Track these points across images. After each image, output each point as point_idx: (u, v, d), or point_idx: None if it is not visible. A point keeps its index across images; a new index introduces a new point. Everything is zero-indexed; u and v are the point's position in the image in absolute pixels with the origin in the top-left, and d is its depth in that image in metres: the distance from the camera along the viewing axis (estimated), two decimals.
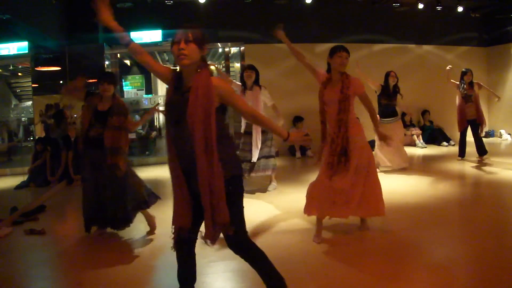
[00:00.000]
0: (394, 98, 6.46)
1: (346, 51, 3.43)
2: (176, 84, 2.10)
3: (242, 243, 2.14)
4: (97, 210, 3.74)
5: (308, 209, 3.54)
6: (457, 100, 6.94)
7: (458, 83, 6.93)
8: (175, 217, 2.09)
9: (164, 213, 4.00)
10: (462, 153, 7.10)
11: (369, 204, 3.51)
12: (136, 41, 2.31)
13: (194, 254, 2.22)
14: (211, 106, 1.98)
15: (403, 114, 9.67)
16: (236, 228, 2.02)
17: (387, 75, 6.55)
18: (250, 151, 5.18)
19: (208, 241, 2.00)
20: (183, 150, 2.04)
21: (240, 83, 5.32)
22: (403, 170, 6.48)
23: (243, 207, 2.14)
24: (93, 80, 7.64)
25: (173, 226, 2.09)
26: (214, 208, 1.96)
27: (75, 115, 7.43)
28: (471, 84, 6.85)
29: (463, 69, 6.96)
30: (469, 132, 7.02)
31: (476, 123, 6.83)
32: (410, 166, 6.67)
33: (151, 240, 3.79)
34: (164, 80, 2.18)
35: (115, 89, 3.86)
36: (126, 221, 3.76)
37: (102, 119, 3.72)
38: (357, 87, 3.42)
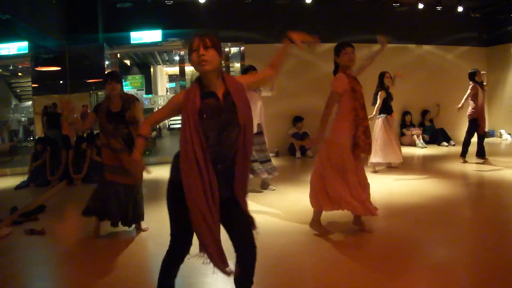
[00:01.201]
0: (390, 97, 6.53)
1: (351, 46, 3.42)
2: (200, 89, 2.03)
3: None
4: (118, 207, 3.77)
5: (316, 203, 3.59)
6: (479, 99, 6.55)
7: (472, 84, 6.65)
8: (203, 238, 1.99)
9: (162, 213, 4.00)
10: (464, 154, 6.92)
11: (368, 201, 3.56)
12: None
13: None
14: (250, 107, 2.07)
15: (405, 114, 9.71)
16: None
17: (382, 75, 6.57)
18: (256, 151, 5.16)
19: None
20: (225, 156, 2.01)
21: None
22: (399, 170, 6.48)
23: None
24: (94, 80, 7.70)
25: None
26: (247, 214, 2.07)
27: (75, 115, 7.44)
28: (481, 85, 6.69)
29: (472, 70, 6.76)
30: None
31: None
32: (407, 166, 6.67)
33: (152, 240, 3.80)
34: (179, 106, 2.06)
35: (121, 88, 3.87)
36: (139, 217, 3.89)
37: (119, 118, 3.74)
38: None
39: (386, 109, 6.52)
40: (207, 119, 1.96)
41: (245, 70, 5.34)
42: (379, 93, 6.48)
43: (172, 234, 2.10)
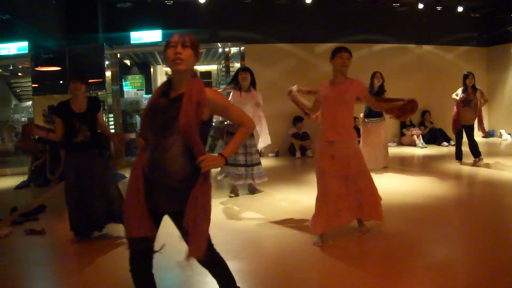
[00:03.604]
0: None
1: (347, 51, 3.39)
2: (165, 88, 2.01)
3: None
4: (85, 215, 3.71)
5: (316, 228, 3.43)
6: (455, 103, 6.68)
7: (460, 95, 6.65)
8: (129, 227, 1.95)
9: None
10: (458, 157, 6.89)
11: (370, 207, 3.53)
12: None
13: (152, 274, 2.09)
14: (201, 116, 1.90)
15: None
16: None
17: (373, 75, 6.55)
18: (243, 154, 4.97)
19: (191, 258, 1.92)
20: (160, 164, 1.91)
21: (232, 86, 5.12)
22: (400, 170, 6.48)
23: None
24: (94, 80, 7.69)
25: (128, 238, 1.98)
26: (197, 224, 1.87)
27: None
28: (473, 88, 6.58)
29: (465, 72, 6.74)
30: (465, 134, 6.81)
31: (471, 128, 6.62)
32: (407, 166, 6.67)
33: None
34: None
35: (86, 89, 3.80)
36: (109, 219, 3.80)
37: (84, 119, 3.68)
38: (358, 89, 3.43)
39: (372, 113, 6.45)
40: (148, 118, 1.98)
41: (237, 71, 5.19)
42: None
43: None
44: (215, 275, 2.16)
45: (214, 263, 2.11)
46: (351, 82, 3.41)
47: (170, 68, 1.98)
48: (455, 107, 6.73)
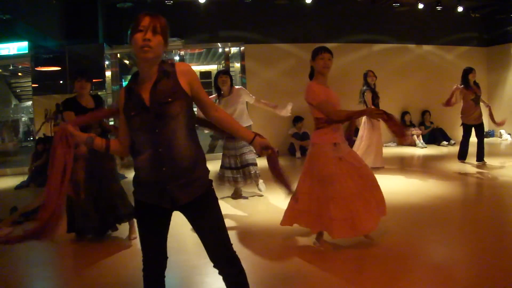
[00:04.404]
0: (376, 97, 6.43)
1: (328, 52, 3.26)
2: (133, 83, 1.83)
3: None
4: (93, 216, 3.66)
5: (339, 233, 3.21)
6: (462, 101, 6.43)
7: (460, 86, 6.46)
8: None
9: None
10: (463, 156, 6.75)
11: (378, 202, 3.39)
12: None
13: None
14: (182, 94, 1.78)
15: (404, 114, 9.71)
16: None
17: (366, 75, 6.49)
18: (235, 156, 4.83)
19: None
20: (165, 153, 1.78)
21: (215, 95, 4.89)
22: (399, 170, 6.48)
23: None
24: (94, 80, 7.69)
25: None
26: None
27: None
28: (476, 84, 6.41)
29: (467, 67, 6.53)
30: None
31: (482, 126, 6.51)
32: (407, 166, 6.66)
33: None
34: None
35: (91, 87, 3.76)
36: (117, 221, 3.75)
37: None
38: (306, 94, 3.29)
39: None
40: (132, 118, 1.82)
41: (216, 74, 4.97)
42: (365, 93, 6.40)
43: (142, 253, 2.00)
44: (235, 285, 1.97)
45: (240, 271, 1.95)
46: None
47: (136, 55, 1.78)
48: (462, 101, 6.44)
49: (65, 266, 3.45)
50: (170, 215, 1.93)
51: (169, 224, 1.95)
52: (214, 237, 1.89)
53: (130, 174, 2.11)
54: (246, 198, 5.17)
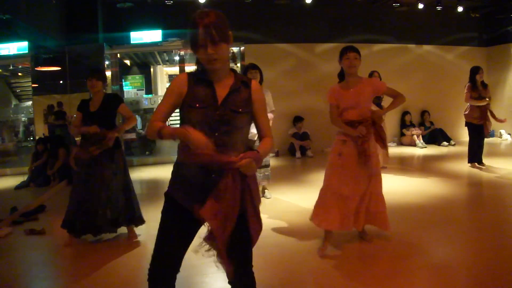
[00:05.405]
0: (378, 97, 6.40)
1: (354, 51, 3.20)
2: (201, 76, 1.77)
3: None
4: (83, 217, 3.63)
5: (327, 224, 3.30)
6: (473, 101, 6.13)
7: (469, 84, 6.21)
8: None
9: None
10: (474, 159, 6.49)
11: (377, 215, 3.40)
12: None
13: None
14: (251, 109, 1.81)
15: (404, 114, 9.71)
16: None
17: (371, 75, 6.45)
18: None
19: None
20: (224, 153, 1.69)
21: None
22: (399, 170, 6.48)
23: None
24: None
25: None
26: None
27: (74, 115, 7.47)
28: (483, 85, 6.21)
29: (473, 67, 6.32)
30: (465, 134, 6.63)
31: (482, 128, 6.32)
32: (407, 166, 6.66)
33: (152, 240, 3.79)
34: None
35: (103, 86, 3.76)
36: (115, 224, 3.69)
37: (93, 118, 3.62)
38: (375, 88, 3.31)
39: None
40: (197, 110, 1.76)
41: (246, 69, 4.95)
42: None
43: (154, 252, 1.90)
44: None
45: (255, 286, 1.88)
46: (367, 83, 3.28)
47: (205, 66, 1.74)
48: (469, 102, 6.21)
49: (65, 266, 3.45)
50: (201, 224, 1.80)
51: (197, 231, 1.84)
52: (240, 251, 1.80)
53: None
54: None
